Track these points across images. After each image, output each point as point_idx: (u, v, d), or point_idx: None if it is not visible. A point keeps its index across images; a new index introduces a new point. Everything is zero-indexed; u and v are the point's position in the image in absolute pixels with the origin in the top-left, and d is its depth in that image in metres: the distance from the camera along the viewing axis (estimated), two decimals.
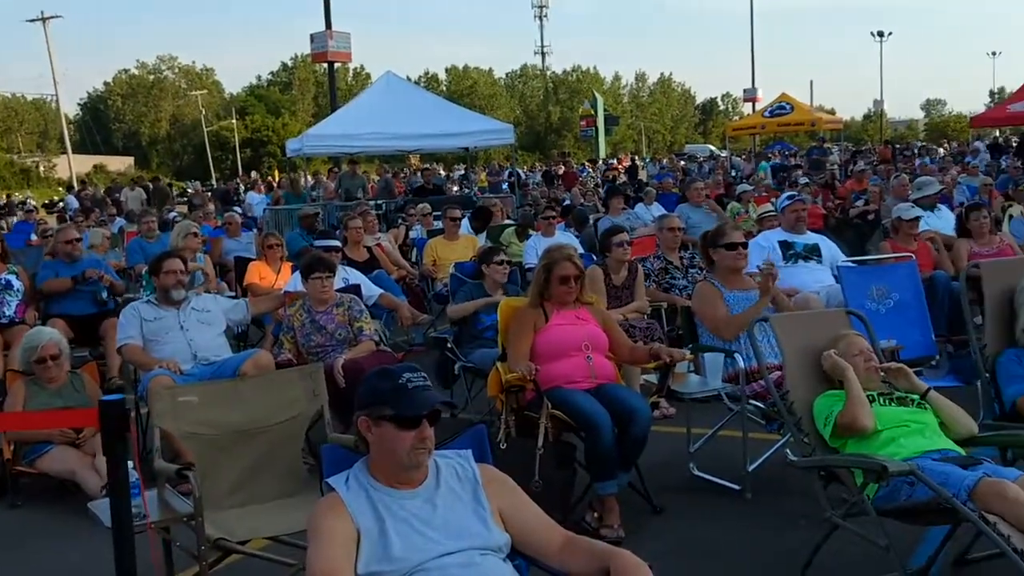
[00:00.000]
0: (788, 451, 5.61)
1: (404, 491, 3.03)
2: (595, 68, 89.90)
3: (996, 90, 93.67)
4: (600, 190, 23.30)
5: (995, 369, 4.66)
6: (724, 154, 44.06)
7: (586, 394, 5.21)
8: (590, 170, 38.18)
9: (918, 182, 12.21)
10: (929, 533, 4.53)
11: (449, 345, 7.25)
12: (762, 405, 5.55)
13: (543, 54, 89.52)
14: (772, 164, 32.35)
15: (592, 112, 49.59)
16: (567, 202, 19.54)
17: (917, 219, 8.72)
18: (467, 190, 24.90)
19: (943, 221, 10.50)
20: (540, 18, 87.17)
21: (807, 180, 19.36)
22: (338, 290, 7.28)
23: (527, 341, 5.40)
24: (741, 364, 5.64)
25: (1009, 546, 3.40)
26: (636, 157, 50.85)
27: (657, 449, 5.80)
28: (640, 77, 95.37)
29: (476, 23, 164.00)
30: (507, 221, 13.76)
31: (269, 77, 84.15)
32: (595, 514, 5.18)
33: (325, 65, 28.94)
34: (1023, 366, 4.56)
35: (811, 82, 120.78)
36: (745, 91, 54.05)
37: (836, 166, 28.88)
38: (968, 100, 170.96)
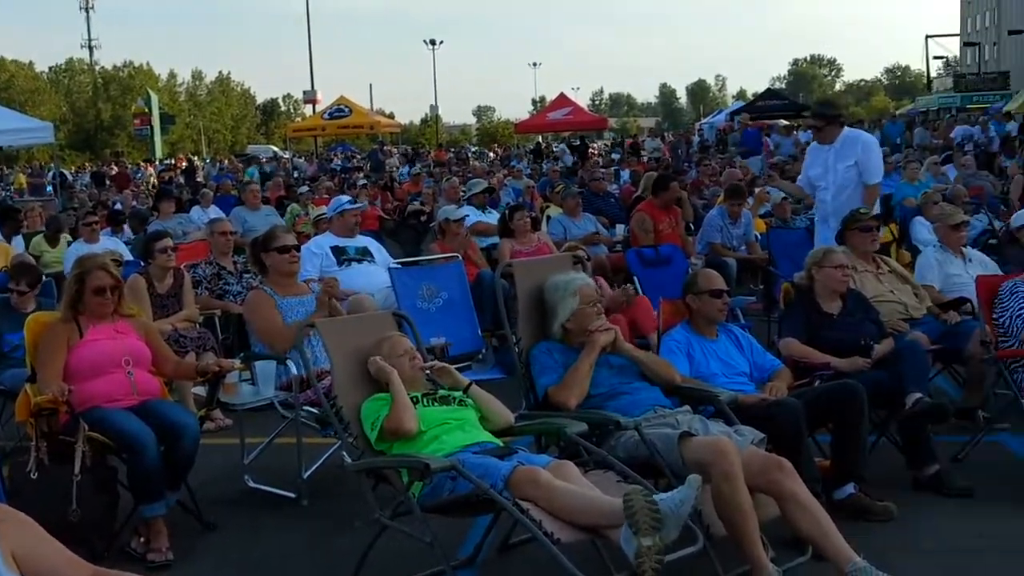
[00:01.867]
0: (345, 454, 5.62)
1: None
2: (148, 64, 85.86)
3: (538, 98, 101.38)
4: None
5: (529, 362, 4.93)
6: (287, 155, 43.89)
7: (128, 413, 4.89)
8: (146, 171, 36.40)
9: (470, 184, 12.85)
10: (476, 524, 4.73)
11: None
12: (316, 411, 5.51)
13: (91, 48, 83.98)
14: (335, 167, 32.63)
15: (146, 110, 47.28)
16: (118, 205, 18.44)
17: (462, 220, 9.15)
18: (4, 193, 22.76)
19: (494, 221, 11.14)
20: (86, 9, 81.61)
21: (365, 182, 19.73)
22: None
23: (59, 359, 4.98)
24: (294, 371, 5.56)
25: (540, 530, 3.60)
26: (196, 157, 49.23)
27: (209, 463, 5.60)
28: (197, 75, 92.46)
29: (14, 12, 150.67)
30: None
31: None
32: (141, 539, 4.88)
33: None
34: (553, 358, 4.87)
35: (371, 86, 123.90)
36: (305, 93, 54.14)
37: (396, 169, 29.75)
38: (514, 107, 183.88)
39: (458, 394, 4.56)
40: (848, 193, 7.59)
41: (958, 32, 74.08)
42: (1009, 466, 5.71)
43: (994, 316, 5.80)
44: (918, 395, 5.24)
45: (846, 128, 7.72)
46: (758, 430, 4.59)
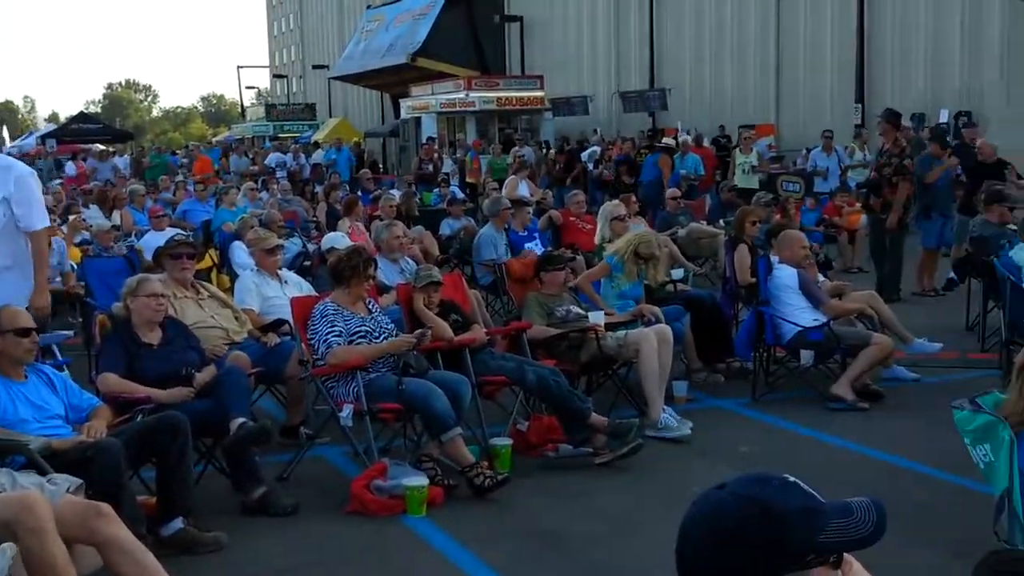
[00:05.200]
0: None
1: None
2: None
3: None
4: None
5: None
6: None
7: None
8: None
9: None
10: None
11: None
12: None
13: None
14: None
15: None
16: None
17: None
18: None
19: None
20: None
21: None
22: None
23: None
24: None
25: None
26: None
27: None
28: None
29: None
30: None
31: None
32: None
33: None
34: None
35: None
36: None
37: None
38: None
39: None
40: None
41: (267, 64, 77.90)
42: (332, 478, 5.97)
43: (308, 336, 6.03)
44: (241, 419, 5.26)
45: None
46: (76, 476, 4.24)
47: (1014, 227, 8.97)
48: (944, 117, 22.45)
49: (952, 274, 11.19)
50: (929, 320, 9.76)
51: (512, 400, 6.54)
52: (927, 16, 24.11)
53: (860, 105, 23.32)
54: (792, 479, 1.64)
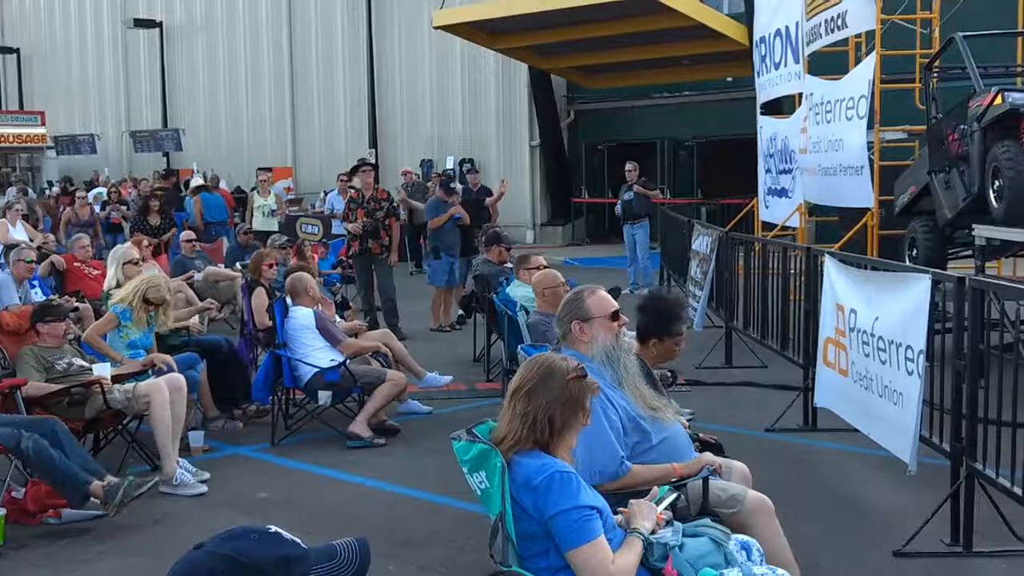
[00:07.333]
0: None
1: None
2: None
3: None
4: None
5: None
6: None
7: None
8: None
9: None
10: None
11: None
12: None
13: None
14: None
15: None
16: None
17: None
18: None
19: None
20: None
21: None
22: None
23: None
24: None
25: None
26: None
27: None
28: None
29: None
30: None
31: None
32: None
33: None
34: None
35: None
36: None
37: None
38: None
39: None
40: None
41: None
42: None
43: None
44: None
45: None
46: None
47: (511, 265, 9.73)
48: (450, 163, 24.01)
49: (460, 310, 11.98)
50: (443, 353, 10.31)
51: (5, 465, 5.93)
52: (431, 72, 25.69)
53: (374, 150, 24.25)
54: (274, 529, 1.68)
